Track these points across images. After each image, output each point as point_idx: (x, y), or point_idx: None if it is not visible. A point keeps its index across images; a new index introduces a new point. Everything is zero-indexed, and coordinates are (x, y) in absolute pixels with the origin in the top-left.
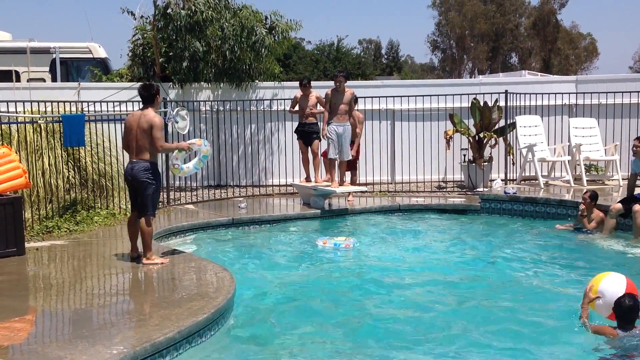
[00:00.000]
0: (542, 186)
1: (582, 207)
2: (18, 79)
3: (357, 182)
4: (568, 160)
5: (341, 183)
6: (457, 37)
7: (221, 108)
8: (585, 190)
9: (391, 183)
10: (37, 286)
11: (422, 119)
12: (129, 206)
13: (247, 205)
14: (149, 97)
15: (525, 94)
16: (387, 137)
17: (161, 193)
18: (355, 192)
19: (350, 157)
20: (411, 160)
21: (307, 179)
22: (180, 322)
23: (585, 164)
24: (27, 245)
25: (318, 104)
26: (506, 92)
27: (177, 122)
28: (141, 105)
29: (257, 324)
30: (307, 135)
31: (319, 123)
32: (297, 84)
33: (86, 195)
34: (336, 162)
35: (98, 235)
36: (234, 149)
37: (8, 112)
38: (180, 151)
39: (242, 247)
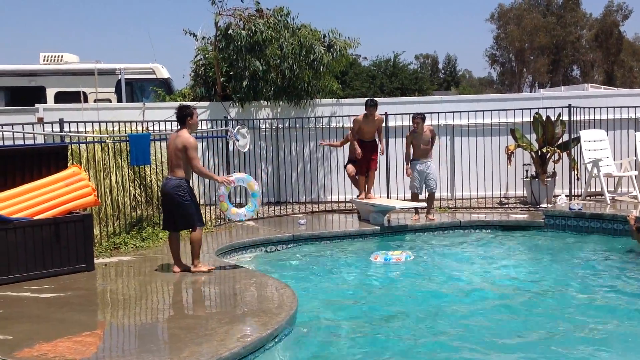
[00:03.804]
0: (609, 202)
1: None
2: (86, 100)
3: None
4: (635, 175)
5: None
6: (516, 50)
7: (280, 126)
8: (635, 219)
9: (451, 199)
10: (105, 301)
11: (482, 134)
12: None
13: (306, 221)
14: (179, 118)
15: (589, 107)
16: (447, 153)
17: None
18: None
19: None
20: (471, 176)
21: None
22: (245, 338)
23: None
24: (96, 261)
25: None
26: (569, 106)
27: (237, 140)
28: (205, 125)
29: (317, 340)
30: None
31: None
32: (355, 100)
33: (151, 212)
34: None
35: (163, 251)
36: (293, 166)
37: (78, 132)
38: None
39: (302, 263)
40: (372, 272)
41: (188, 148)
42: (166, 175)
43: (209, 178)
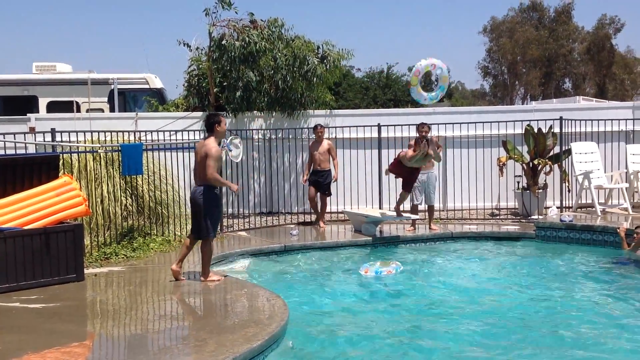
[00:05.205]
0: (599, 214)
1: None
2: (78, 110)
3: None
4: (626, 188)
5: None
6: (508, 63)
7: (273, 136)
8: (626, 230)
9: (443, 210)
10: (95, 312)
11: (475, 145)
12: (184, 233)
13: (298, 232)
14: (207, 126)
15: (580, 120)
16: (439, 165)
17: None
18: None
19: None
20: (463, 187)
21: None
22: (236, 349)
23: None
24: (86, 271)
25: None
26: (561, 118)
27: (230, 150)
28: (198, 135)
29: (304, 351)
30: (319, 184)
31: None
32: (348, 111)
33: (142, 222)
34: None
35: (154, 262)
36: (285, 176)
37: (69, 141)
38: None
39: (293, 273)
40: (362, 285)
41: (208, 156)
42: (194, 185)
43: (224, 185)
